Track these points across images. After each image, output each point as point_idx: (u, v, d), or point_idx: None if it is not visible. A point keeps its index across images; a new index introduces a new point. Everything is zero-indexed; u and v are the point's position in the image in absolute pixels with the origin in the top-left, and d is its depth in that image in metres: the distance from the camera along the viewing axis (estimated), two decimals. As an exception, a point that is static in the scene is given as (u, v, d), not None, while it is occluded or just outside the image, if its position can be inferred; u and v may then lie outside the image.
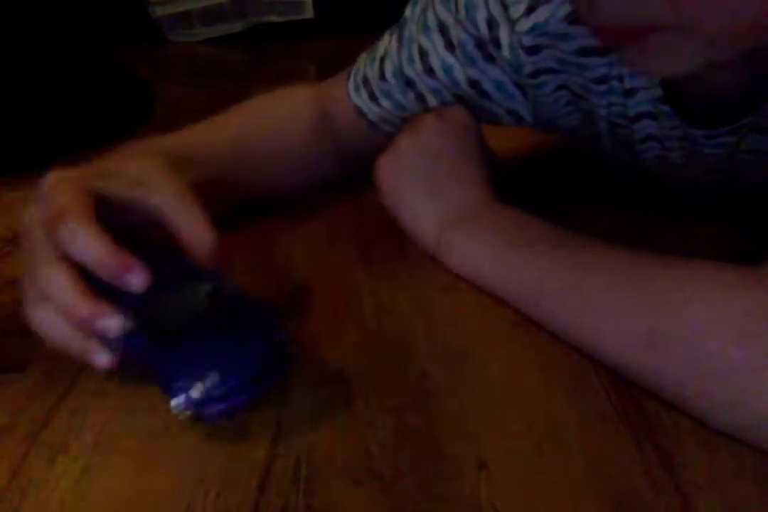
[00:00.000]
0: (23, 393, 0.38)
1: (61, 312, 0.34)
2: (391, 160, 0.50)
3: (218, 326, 0.36)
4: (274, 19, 1.22)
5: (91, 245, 0.33)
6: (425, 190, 0.49)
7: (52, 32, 0.80)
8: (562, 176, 0.64)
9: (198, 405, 0.33)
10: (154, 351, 0.35)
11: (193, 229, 0.37)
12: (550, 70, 0.48)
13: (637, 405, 0.36)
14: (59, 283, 0.34)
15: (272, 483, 0.32)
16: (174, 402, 0.33)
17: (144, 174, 0.39)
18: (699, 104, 0.43)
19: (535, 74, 0.49)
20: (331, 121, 0.58)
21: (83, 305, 0.33)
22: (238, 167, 0.52)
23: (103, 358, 0.34)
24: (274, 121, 0.57)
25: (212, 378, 0.33)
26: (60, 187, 0.37)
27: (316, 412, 0.36)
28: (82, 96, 0.78)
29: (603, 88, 0.46)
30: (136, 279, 0.33)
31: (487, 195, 0.49)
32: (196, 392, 0.33)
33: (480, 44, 0.49)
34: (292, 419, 0.36)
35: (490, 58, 0.50)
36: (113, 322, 0.33)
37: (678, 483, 0.32)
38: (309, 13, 1.22)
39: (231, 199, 0.51)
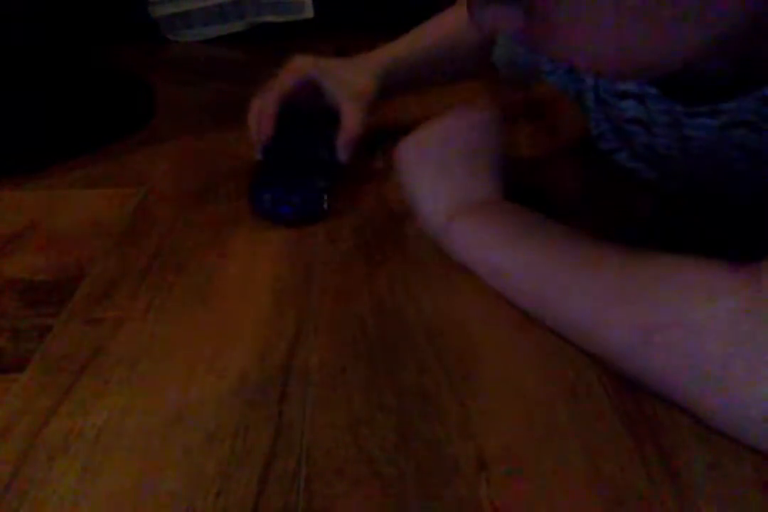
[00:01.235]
0: (23, 393, 0.38)
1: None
2: (415, 141, 0.52)
3: (300, 169, 0.59)
4: (274, 19, 1.22)
5: (263, 109, 0.63)
6: (441, 176, 0.51)
7: (51, 32, 0.80)
8: (560, 178, 0.64)
9: (260, 208, 0.56)
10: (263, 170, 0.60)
11: (349, 130, 0.61)
12: None
13: (637, 405, 0.36)
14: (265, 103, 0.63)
15: (272, 483, 0.32)
16: (255, 205, 0.57)
17: (350, 82, 0.63)
18: (685, 88, 0.44)
19: None
20: None
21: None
22: (423, 73, 0.70)
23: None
24: (456, 36, 0.70)
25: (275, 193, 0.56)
26: (289, 68, 0.64)
27: (316, 412, 0.36)
28: (82, 96, 0.78)
29: None
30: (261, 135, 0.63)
31: (499, 191, 0.50)
32: (266, 199, 0.56)
33: None
34: (292, 419, 0.36)
35: None
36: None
37: (678, 483, 0.32)
38: (309, 13, 1.22)
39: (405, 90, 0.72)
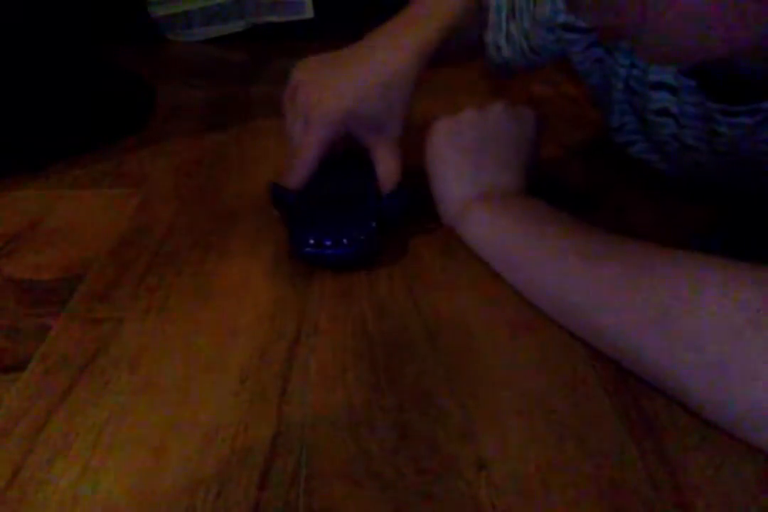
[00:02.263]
0: (23, 393, 0.38)
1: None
2: (450, 124, 0.53)
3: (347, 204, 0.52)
4: (274, 19, 1.22)
5: (303, 151, 0.53)
6: (471, 162, 0.52)
7: (51, 32, 0.80)
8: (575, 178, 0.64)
9: (303, 251, 0.49)
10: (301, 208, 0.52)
11: (388, 173, 0.53)
12: (580, 30, 0.51)
13: (637, 405, 0.36)
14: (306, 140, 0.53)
15: (272, 483, 0.32)
16: (297, 248, 0.49)
17: (383, 116, 0.53)
18: (723, 83, 0.44)
19: (566, 27, 0.52)
20: None
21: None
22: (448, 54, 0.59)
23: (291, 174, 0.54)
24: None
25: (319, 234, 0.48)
26: (322, 117, 0.52)
27: (316, 412, 0.36)
28: (83, 96, 0.78)
29: (629, 46, 0.48)
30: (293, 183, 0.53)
31: (522, 187, 0.51)
32: (309, 242, 0.48)
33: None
34: (292, 419, 0.36)
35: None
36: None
37: (678, 483, 0.32)
38: (309, 13, 1.22)
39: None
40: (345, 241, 0.48)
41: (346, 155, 0.57)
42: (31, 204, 0.60)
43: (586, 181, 0.63)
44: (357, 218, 0.50)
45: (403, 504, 0.31)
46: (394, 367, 0.40)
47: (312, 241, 0.48)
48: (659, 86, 0.48)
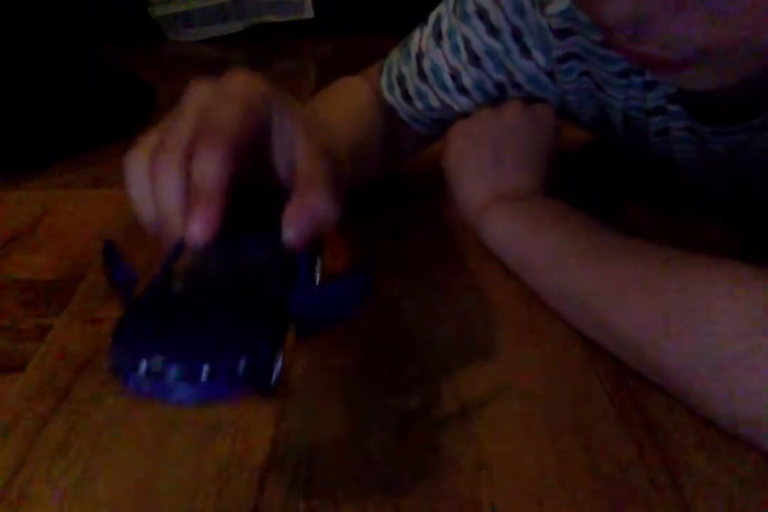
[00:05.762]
0: (23, 393, 0.38)
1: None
2: (468, 125, 0.52)
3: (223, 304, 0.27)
4: (274, 19, 1.22)
5: (210, 173, 0.29)
6: (489, 163, 0.51)
7: (51, 32, 0.80)
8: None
9: (121, 377, 0.25)
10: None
11: (307, 196, 0.29)
12: (576, 56, 0.49)
13: (637, 405, 0.36)
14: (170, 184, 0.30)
15: (272, 483, 0.32)
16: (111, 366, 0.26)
17: (318, 126, 0.36)
18: (711, 101, 0.43)
19: (564, 59, 0.50)
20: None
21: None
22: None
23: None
24: (356, 114, 0.57)
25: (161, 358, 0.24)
26: (231, 103, 0.31)
27: (316, 412, 0.36)
28: (83, 96, 0.78)
29: (623, 81, 0.47)
30: (197, 230, 0.30)
31: (542, 187, 0.51)
32: (141, 369, 0.24)
33: (515, 33, 0.51)
34: (292, 419, 0.36)
35: (524, 51, 0.51)
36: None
37: (678, 483, 0.32)
38: (309, 13, 1.22)
39: None
40: (207, 369, 0.24)
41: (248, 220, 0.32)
42: (31, 204, 0.60)
43: (605, 182, 0.62)
44: (248, 323, 0.26)
45: (402, 505, 0.31)
46: (394, 367, 0.40)
47: (144, 365, 0.24)
48: (657, 111, 0.47)
